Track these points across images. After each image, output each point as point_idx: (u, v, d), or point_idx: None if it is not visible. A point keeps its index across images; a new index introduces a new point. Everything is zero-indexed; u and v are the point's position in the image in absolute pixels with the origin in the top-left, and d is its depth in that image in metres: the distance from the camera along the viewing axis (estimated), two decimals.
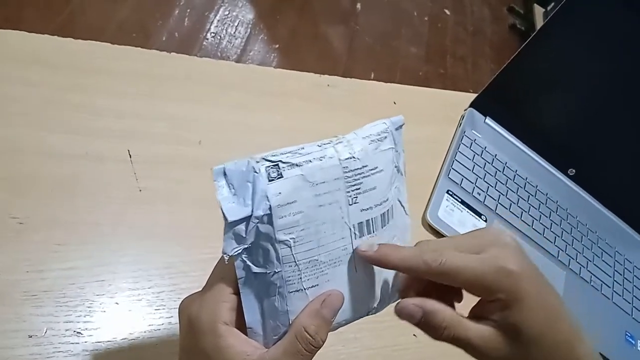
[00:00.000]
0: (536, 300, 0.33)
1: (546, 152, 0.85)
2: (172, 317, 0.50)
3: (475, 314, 0.35)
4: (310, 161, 0.32)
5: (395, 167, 0.36)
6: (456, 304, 0.37)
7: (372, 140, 0.34)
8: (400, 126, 0.37)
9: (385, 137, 0.35)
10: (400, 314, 0.35)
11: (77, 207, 0.53)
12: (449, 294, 0.37)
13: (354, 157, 0.33)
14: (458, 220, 0.70)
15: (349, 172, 0.33)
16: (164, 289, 0.51)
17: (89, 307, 0.48)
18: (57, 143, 0.56)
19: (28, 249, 0.49)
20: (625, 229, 0.87)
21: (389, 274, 0.38)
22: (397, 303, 0.35)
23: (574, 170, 0.85)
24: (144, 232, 0.54)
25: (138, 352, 0.47)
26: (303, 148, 0.33)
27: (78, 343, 0.46)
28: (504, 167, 0.81)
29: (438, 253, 0.34)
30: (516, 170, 0.82)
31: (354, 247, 0.35)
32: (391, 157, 0.35)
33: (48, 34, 0.64)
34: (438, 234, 0.69)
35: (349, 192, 0.34)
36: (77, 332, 0.47)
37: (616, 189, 0.86)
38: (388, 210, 0.36)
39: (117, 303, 0.49)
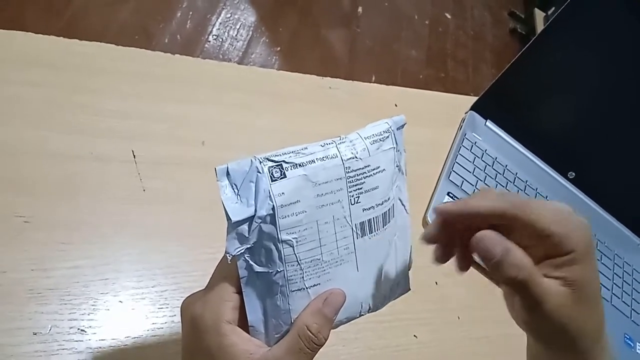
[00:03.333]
0: (596, 262, 0.33)
1: (546, 155, 0.86)
2: (175, 315, 0.50)
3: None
4: (314, 161, 0.33)
5: (397, 166, 0.37)
6: None
7: (374, 140, 0.35)
8: (402, 126, 0.37)
9: (387, 137, 0.36)
10: (478, 245, 0.33)
11: (81, 206, 0.54)
12: None
13: (356, 157, 0.34)
14: None
15: (351, 172, 0.34)
16: (167, 288, 0.52)
17: (93, 305, 0.49)
18: (62, 143, 0.57)
19: (33, 247, 0.50)
20: (624, 232, 0.87)
21: (391, 272, 0.38)
22: (477, 234, 0.33)
23: (573, 174, 0.86)
24: (147, 232, 0.55)
25: (141, 350, 0.48)
26: (306, 148, 0.33)
27: (82, 341, 0.47)
28: (504, 170, 0.82)
29: (518, 197, 0.33)
30: (516, 173, 0.82)
31: (356, 246, 0.35)
32: (393, 157, 0.36)
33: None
34: None
35: (351, 191, 0.34)
36: (82, 330, 0.47)
37: (615, 192, 0.86)
38: (389, 209, 0.36)
39: (120, 301, 0.50)
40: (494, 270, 0.32)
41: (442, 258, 0.38)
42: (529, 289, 0.32)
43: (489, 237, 0.33)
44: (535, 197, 0.81)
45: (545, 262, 0.33)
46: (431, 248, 0.70)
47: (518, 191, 0.80)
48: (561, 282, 0.32)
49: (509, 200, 0.33)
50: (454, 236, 0.37)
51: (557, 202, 0.34)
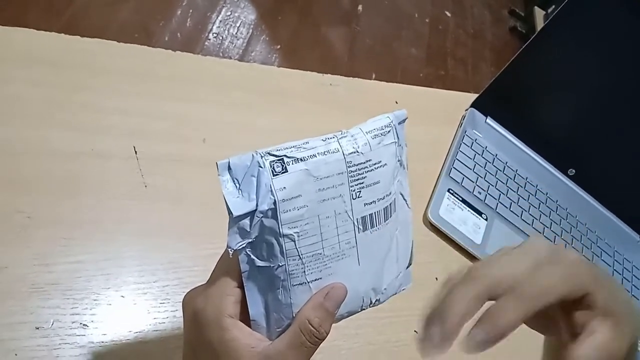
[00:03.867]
0: (604, 277, 0.33)
1: (546, 152, 0.86)
2: (176, 310, 0.50)
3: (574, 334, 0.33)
4: (315, 156, 0.33)
5: (398, 160, 0.37)
6: None
7: (375, 135, 0.35)
8: (403, 120, 0.37)
9: (389, 132, 0.36)
10: None
11: (83, 202, 0.54)
12: None
13: (357, 152, 0.34)
14: (459, 218, 0.71)
15: (352, 166, 0.34)
16: (168, 283, 0.52)
17: (95, 300, 0.49)
18: (63, 140, 0.57)
19: (35, 243, 0.50)
20: (624, 229, 0.88)
21: (392, 266, 0.39)
22: None
23: (573, 170, 0.86)
24: (149, 228, 0.55)
25: (143, 345, 0.48)
26: (307, 142, 0.33)
27: (84, 335, 0.47)
28: (505, 167, 0.82)
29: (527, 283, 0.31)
30: (516, 170, 0.83)
31: (358, 241, 0.35)
32: (394, 151, 0.36)
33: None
34: (439, 231, 0.69)
35: (352, 186, 0.34)
36: (83, 325, 0.47)
37: (615, 189, 0.86)
38: (391, 204, 0.36)
39: (122, 296, 0.50)
40: None
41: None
42: None
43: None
44: (536, 194, 0.82)
45: (573, 312, 0.33)
46: (433, 243, 0.70)
47: (518, 188, 0.80)
48: (599, 319, 0.32)
49: (527, 298, 0.31)
50: None
51: (536, 247, 0.34)
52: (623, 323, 0.32)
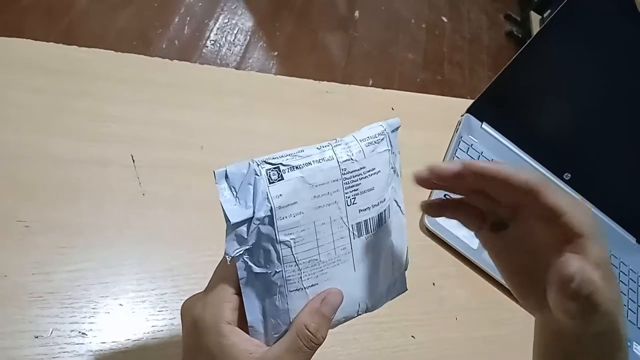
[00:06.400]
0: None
1: (542, 157, 0.86)
2: (174, 318, 0.51)
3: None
4: (310, 163, 0.33)
5: (392, 168, 0.37)
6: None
7: (369, 143, 0.36)
8: (396, 128, 0.38)
9: (382, 139, 0.36)
10: (574, 280, 0.32)
11: (81, 210, 0.54)
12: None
13: (352, 159, 0.34)
14: (455, 223, 0.71)
15: (347, 173, 0.34)
16: (166, 290, 0.52)
17: (93, 308, 0.49)
18: (61, 148, 0.58)
19: (34, 251, 0.50)
20: (620, 233, 0.88)
21: (387, 272, 0.39)
22: (570, 270, 0.32)
23: (569, 175, 0.87)
24: (147, 236, 0.55)
25: (141, 353, 0.48)
26: (303, 151, 0.34)
27: (83, 344, 0.47)
28: None
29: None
30: None
31: (353, 246, 0.36)
32: (387, 159, 0.36)
33: (49, 42, 0.65)
34: (436, 237, 0.70)
35: (347, 193, 0.35)
36: (82, 333, 0.47)
37: (611, 192, 0.87)
38: (385, 210, 0.37)
39: (121, 304, 0.50)
40: (570, 294, 0.32)
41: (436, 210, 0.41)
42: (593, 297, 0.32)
43: (578, 267, 0.32)
44: None
45: (566, 248, 0.34)
46: (429, 249, 0.70)
47: None
48: (593, 266, 0.32)
49: (535, 176, 0.35)
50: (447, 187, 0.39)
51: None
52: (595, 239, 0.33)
